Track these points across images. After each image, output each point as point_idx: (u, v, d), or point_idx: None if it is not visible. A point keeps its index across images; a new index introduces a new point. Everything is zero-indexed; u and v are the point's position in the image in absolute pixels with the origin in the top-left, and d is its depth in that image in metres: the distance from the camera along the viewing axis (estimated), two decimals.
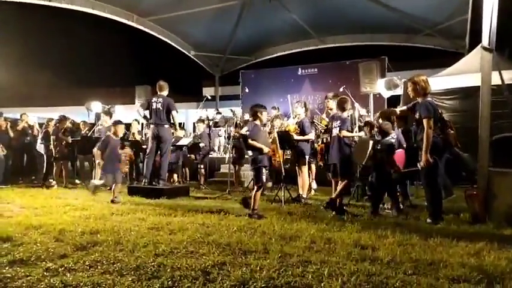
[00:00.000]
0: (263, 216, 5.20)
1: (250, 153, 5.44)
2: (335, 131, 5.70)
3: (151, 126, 7.56)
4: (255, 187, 5.41)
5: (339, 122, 5.66)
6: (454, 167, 6.09)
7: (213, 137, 12.33)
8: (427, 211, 5.08)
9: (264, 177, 5.38)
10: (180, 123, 12.10)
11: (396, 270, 2.99)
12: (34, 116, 14.54)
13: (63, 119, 9.35)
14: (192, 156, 9.22)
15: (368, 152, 5.67)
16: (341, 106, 5.79)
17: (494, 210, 4.93)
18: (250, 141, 5.38)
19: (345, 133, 5.56)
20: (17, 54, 18.59)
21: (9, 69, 16.76)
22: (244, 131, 8.56)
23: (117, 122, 7.11)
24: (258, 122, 5.61)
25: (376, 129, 6.39)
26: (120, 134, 7.15)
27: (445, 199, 5.71)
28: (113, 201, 6.49)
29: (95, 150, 7.07)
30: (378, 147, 5.64)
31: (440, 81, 8.71)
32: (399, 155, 5.70)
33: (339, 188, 5.59)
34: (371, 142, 5.78)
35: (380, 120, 6.29)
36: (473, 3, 9.51)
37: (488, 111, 5.23)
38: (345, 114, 5.73)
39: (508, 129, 6.57)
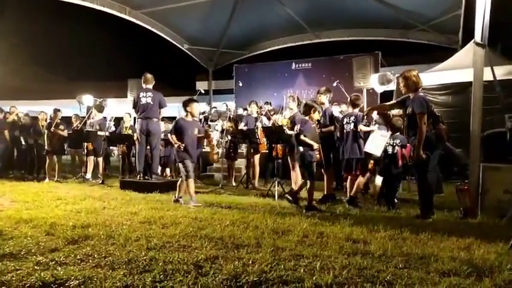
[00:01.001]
0: (320, 209, 5.40)
1: (301, 148, 5.61)
2: (348, 127, 5.85)
3: (140, 120, 7.50)
4: (308, 182, 5.58)
5: (353, 118, 5.82)
6: (446, 163, 6.15)
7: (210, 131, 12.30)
8: (419, 205, 5.12)
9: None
10: (174, 118, 12.03)
11: (387, 264, 3.01)
12: (24, 109, 14.38)
13: (57, 112, 9.26)
14: None
15: (384, 146, 5.74)
16: (353, 103, 5.99)
17: (485, 204, 4.98)
18: (302, 137, 5.54)
19: (363, 128, 5.69)
20: (9, 46, 18.31)
21: (1, 62, 16.52)
22: (242, 125, 8.56)
23: (191, 100, 6.01)
24: (308, 118, 5.73)
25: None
26: (196, 114, 6.22)
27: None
28: (177, 201, 5.64)
29: (169, 135, 6.02)
30: (392, 142, 5.72)
31: (433, 76, 8.74)
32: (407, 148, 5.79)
33: (357, 183, 5.73)
34: (388, 135, 5.82)
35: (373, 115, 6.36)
36: None
37: (480, 107, 5.27)
38: (357, 111, 5.88)
39: (499, 125, 6.63)
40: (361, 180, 5.78)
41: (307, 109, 5.78)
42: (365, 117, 5.99)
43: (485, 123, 5.61)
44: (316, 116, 5.96)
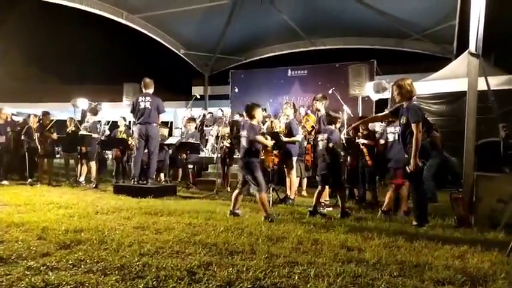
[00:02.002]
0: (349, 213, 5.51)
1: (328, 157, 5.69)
2: (392, 136, 5.89)
3: (139, 125, 7.46)
4: (339, 189, 5.70)
5: (398, 128, 5.74)
6: (441, 171, 6.17)
7: (205, 136, 12.30)
8: (413, 214, 5.13)
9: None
10: (167, 122, 12.01)
11: (382, 272, 3.01)
12: (19, 111, 14.25)
13: (46, 114, 9.18)
14: (183, 155, 9.14)
15: None
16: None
17: (478, 213, 5.00)
18: (330, 145, 5.62)
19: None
20: (4, 48, 18.22)
21: None
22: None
23: (256, 105, 5.54)
24: (334, 127, 5.83)
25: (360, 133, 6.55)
26: (260, 120, 5.89)
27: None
28: (235, 214, 5.19)
29: (259, 137, 5.38)
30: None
31: (427, 85, 8.83)
32: None
33: (402, 194, 5.75)
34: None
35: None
36: (461, 9, 9.66)
37: (474, 116, 5.32)
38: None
39: (493, 134, 6.69)
40: (405, 191, 5.75)
41: (334, 119, 5.86)
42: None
43: (479, 132, 5.64)
44: (339, 124, 6.01)
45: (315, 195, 5.72)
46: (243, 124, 5.63)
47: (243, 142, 5.39)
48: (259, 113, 5.56)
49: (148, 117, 7.32)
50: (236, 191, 5.46)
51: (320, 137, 5.88)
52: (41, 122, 9.08)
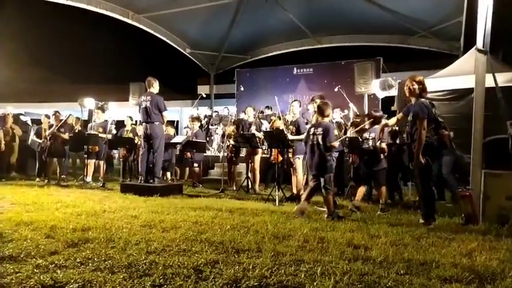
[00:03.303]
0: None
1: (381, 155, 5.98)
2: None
3: (143, 124, 7.53)
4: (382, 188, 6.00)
5: None
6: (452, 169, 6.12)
7: (210, 135, 12.34)
8: (420, 211, 5.10)
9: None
10: (173, 121, 12.07)
11: (389, 270, 2.99)
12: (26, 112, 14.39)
13: (57, 114, 9.27)
14: (188, 154, 9.18)
15: None
16: None
17: (486, 211, 4.96)
18: (383, 145, 5.89)
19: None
20: (11, 49, 18.40)
21: (3, 65, 16.59)
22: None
23: (327, 104, 5.57)
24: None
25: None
26: (330, 115, 5.81)
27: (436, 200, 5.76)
28: (331, 215, 5.09)
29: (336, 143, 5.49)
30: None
31: (434, 82, 8.72)
32: None
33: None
34: None
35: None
36: (468, 5, 9.57)
37: (481, 113, 5.27)
38: None
39: (500, 131, 6.61)
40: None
41: (379, 118, 6.11)
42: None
43: (487, 129, 5.58)
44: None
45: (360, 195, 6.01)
46: (316, 122, 5.64)
47: (318, 140, 5.34)
48: (331, 111, 5.66)
49: (149, 116, 7.35)
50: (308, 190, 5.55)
51: (366, 135, 6.11)
52: (54, 121, 9.18)
